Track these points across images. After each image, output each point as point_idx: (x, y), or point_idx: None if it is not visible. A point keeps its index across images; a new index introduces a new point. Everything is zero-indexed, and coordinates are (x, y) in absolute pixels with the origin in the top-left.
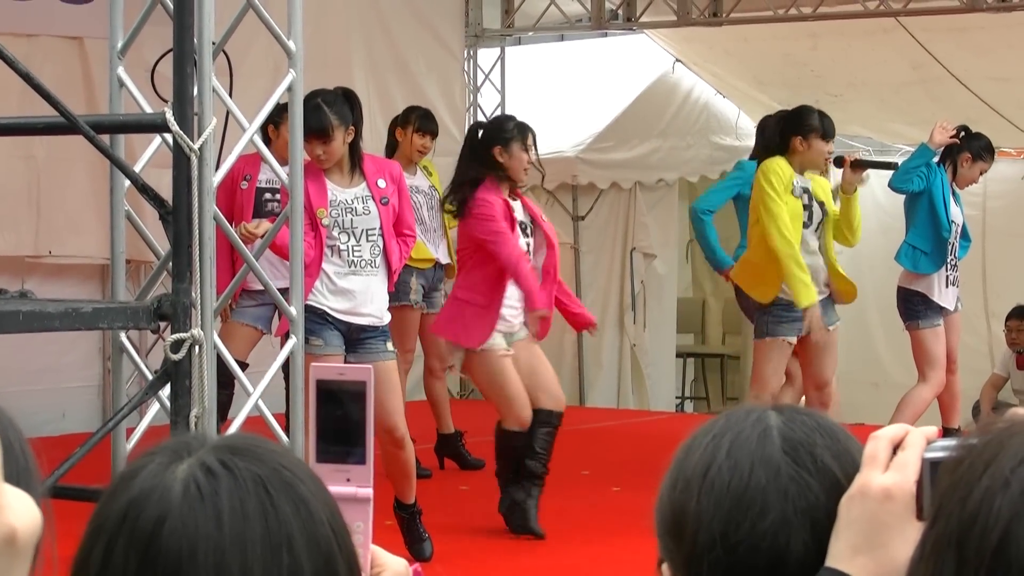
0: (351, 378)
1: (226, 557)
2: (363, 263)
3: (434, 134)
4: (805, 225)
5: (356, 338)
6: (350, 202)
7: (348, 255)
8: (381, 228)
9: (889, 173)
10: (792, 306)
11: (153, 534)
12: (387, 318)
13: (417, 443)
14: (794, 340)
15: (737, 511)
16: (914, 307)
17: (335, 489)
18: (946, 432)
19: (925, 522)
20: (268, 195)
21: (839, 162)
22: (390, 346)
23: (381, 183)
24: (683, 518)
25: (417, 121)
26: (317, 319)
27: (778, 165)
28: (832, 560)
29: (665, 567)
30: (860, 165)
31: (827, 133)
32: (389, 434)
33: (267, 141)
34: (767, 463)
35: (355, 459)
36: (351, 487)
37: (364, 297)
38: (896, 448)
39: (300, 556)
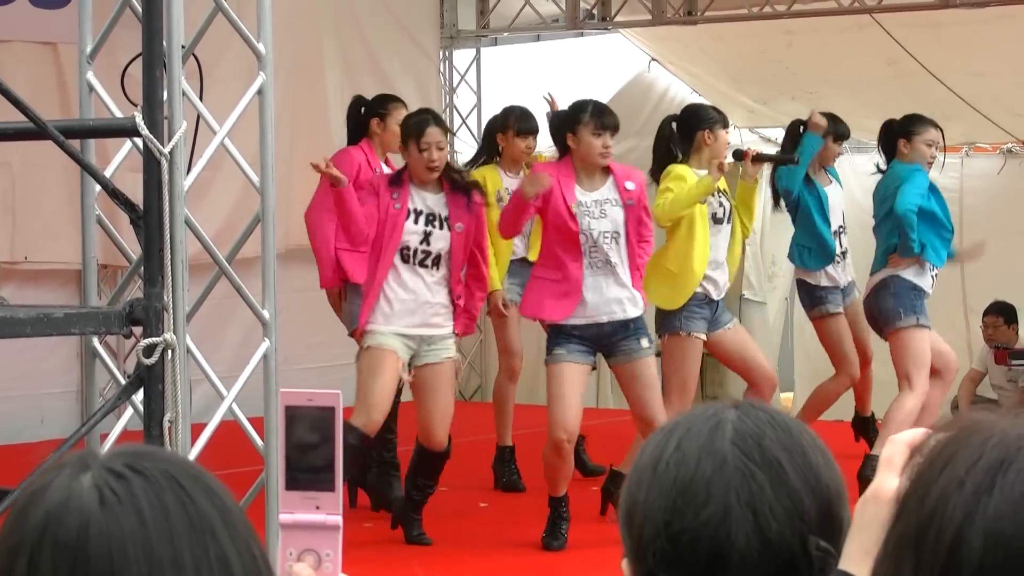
0: (320, 404)
1: (156, 551)
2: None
3: (535, 132)
4: (718, 220)
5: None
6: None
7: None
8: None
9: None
10: (703, 303)
11: (78, 540)
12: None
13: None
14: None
15: (681, 501)
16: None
17: (304, 517)
18: (858, 417)
19: None
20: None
21: (739, 155)
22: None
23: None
24: (633, 509)
25: (516, 123)
26: None
27: (681, 171)
28: (845, 562)
29: (625, 562)
30: (761, 159)
31: (727, 123)
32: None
33: (364, 135)
34: (714, 454)
35: (324, 486)
36: (320, 515)
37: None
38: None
39: (224, 542)
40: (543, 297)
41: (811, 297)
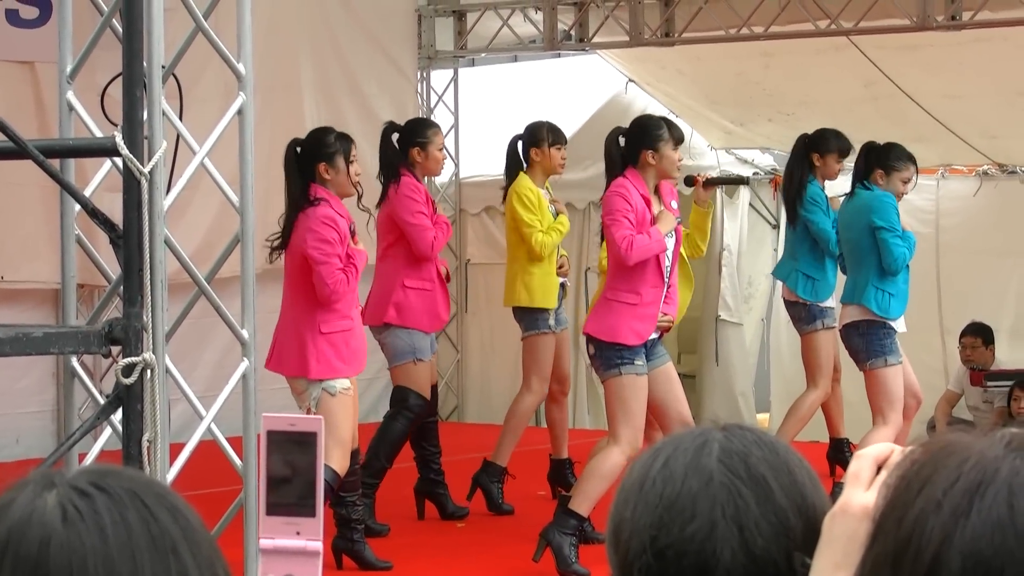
0: (302, 429)
1: (116, 566)
2: None
3: (566, 142)
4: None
5: None
6: None
7: None
8: None
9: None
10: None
11: (39, 556)
12: None
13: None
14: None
15: (668, 516)
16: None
17: (285, 542)
18: (834, 443)
19: None
20: None
21: (690, 181)
22: None
23: None
24: (619, 527)
25: (551, 136)
26: None
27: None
28: None
29: None
30: (712, 183)
31: (679, 140)
32: None
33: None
34: (701, 471)
35: (305, 511)
36: (301, 540)
37: None
38: (880, 467)
39: (186, 560)
40: (619, 322)
41: (812, 312)
